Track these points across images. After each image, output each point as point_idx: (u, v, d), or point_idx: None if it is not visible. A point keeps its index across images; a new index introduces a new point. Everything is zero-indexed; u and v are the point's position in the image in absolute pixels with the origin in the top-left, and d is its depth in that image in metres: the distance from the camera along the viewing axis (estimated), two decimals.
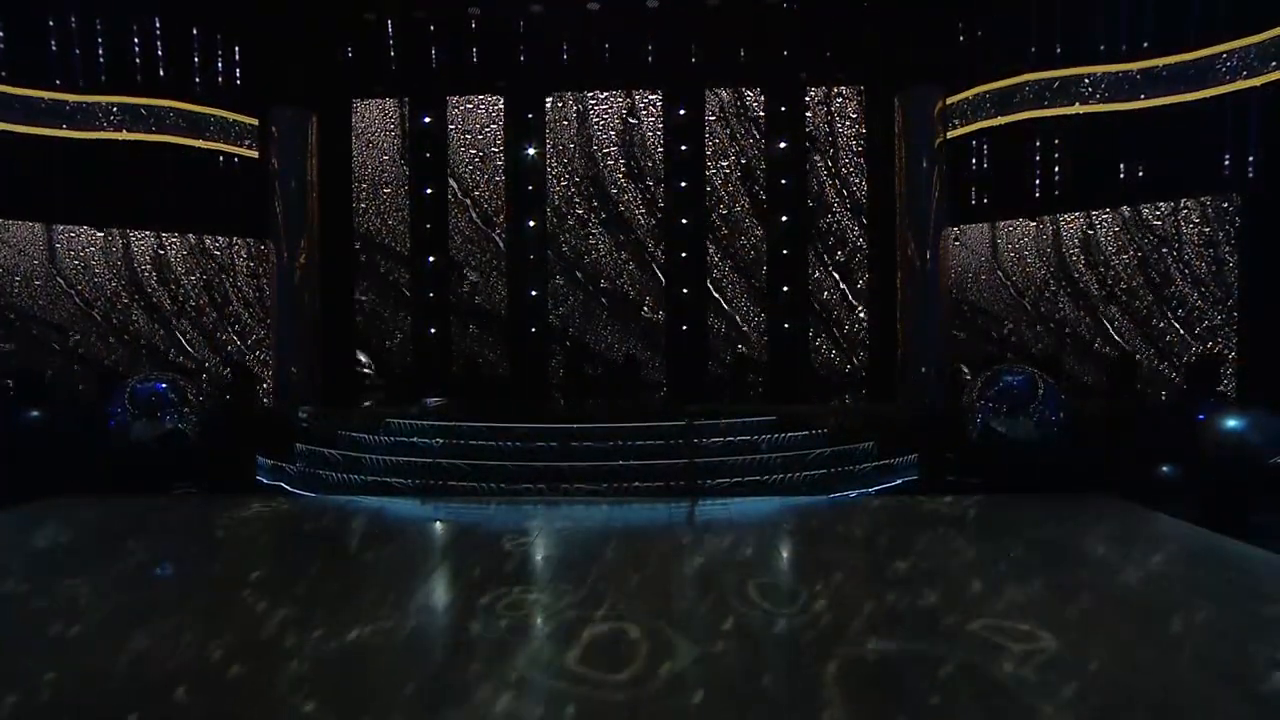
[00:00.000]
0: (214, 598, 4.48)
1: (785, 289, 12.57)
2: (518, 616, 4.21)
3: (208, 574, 5.05)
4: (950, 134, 11.23)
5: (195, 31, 11.54)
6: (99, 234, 11.23)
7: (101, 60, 11.06)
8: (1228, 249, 9.72)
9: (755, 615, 4.12)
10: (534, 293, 12.82)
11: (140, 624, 4.01)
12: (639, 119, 12.63)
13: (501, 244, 12.82)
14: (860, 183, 12.38)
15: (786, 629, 3.96)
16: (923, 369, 10.84)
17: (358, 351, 12.77)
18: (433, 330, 12.89)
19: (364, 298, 12.86)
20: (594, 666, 3.48)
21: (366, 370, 12.68)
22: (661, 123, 12.60)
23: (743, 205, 12.59)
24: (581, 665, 3.52)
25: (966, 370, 11.02)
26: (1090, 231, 10.59)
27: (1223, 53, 9.52)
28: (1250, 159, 9.51)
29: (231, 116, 11.77)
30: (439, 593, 4.87)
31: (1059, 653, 3.51)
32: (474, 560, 5.37)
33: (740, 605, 4.25)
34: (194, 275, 11.70)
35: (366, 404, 11.87)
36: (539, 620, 4.24)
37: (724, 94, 12.54)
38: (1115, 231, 10.45)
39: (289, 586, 4.70)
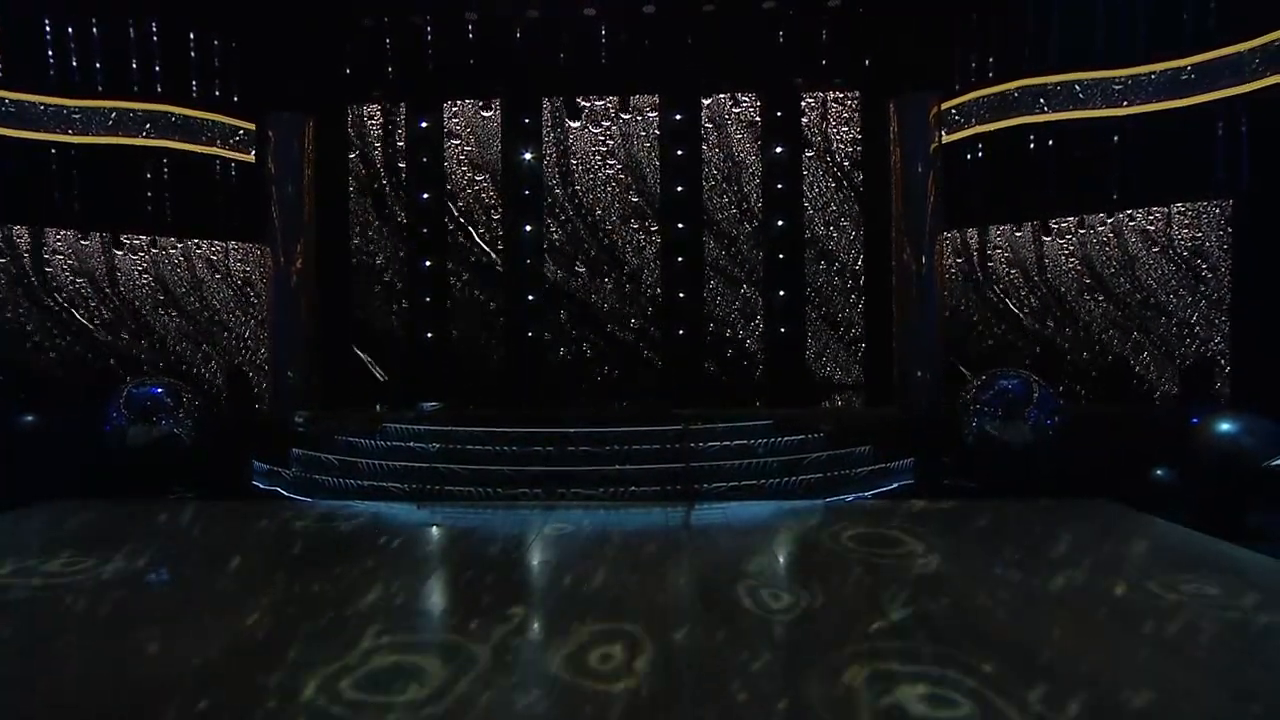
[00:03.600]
0: (209, 604, 4.48)
1: (781, 293, 12.60)
2: (514, 623, 4.21)
3: (202, 580, 5.03)
4: (946, 139, 11.28)
5: (192, 36, 11.55)
6: (95, 238, 11.20)
7: (98, 65, 11.06)
8: (1220, 253, 9.78)
9: (746, 620, 4.13)
10: (530, 297, 12.83)
11: (133, 628, 4.01)
12: (635, 124, 12.66)
13: (498, 247, 12.84)
14: (856, 187, 12.43)
15: (782, 633, 3.97)
16: (919, 373, 10.87)
17: (363, 355, 12.75)
18: (429, 334, 12.89)
19: (360, 302, 12.85)
20: (586, 673, 3.49)
21: (375, 372, 12.67)
22: (658, 127, 12.64)
23: (739, 209, 12.63)
24: (576, 669, 3.53)
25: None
26: (1083, 235, 10.64)
27: (1215, 58, 9.59)
28: (1242, 164, 9.57)
29: (228, 121, 11.77)
30: (432, 600, 4.87)
31: (1054, 653, 3.52)
32: (469, 566, 5.37)
33: (733, 610, 4.26)
34: (190, 279, 11.68)
35: (379, 407, 11.85)
36: (535, 628, 4.24)
37: (720, 99, 12.59)
38: (1108, 235, 10.50)
39: (287, 591, 4.70)
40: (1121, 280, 10.42)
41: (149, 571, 5.21)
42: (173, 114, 11.37)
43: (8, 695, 3.30)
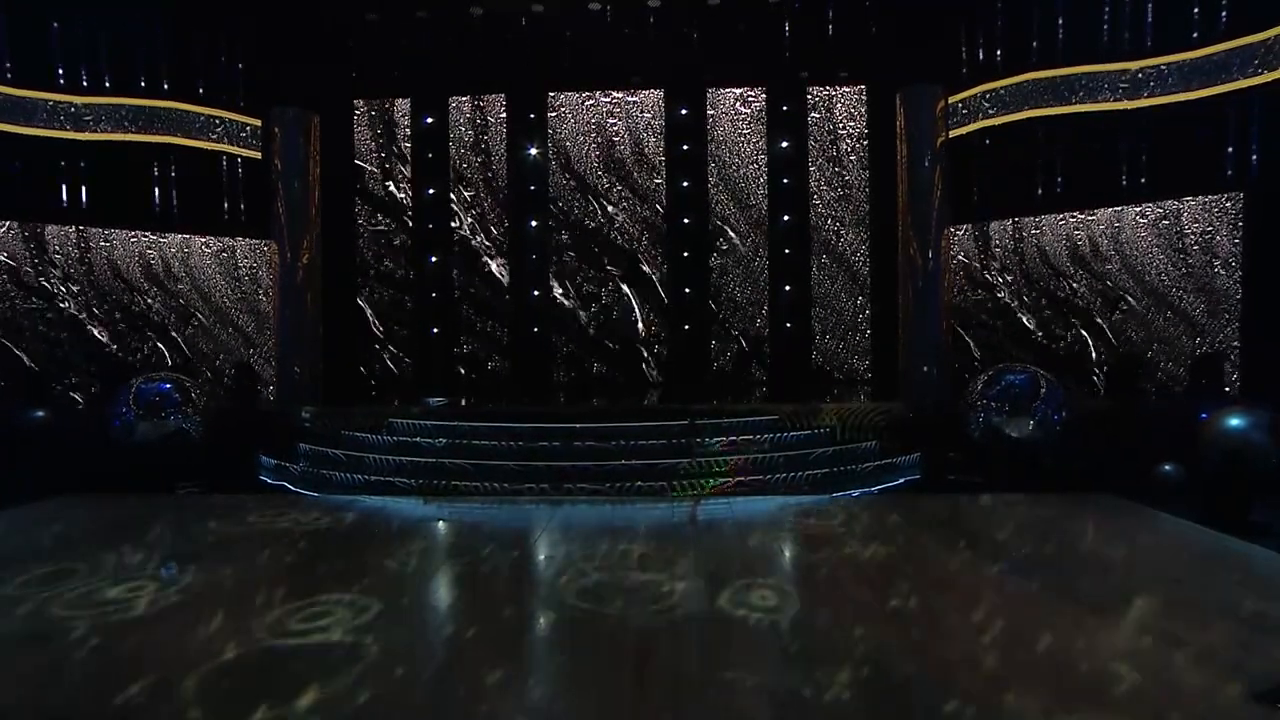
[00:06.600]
0: (224, 595, 4.50)
1: (787, 288, 12.58)
2: (518, 616, 4.23)
3: (216, 573, 5.06)
4: (952, 133, 11.22)
5: (198, 33, 11.58)
6: (102, 234, 11.24)
7: (104, 63, 11.10)
8: (1231, 247, 9.72)
9: (750, 616, 4.14)
10: (535, 292, 12.84)
11: (145, 620, 4.04)
12: (640, 118, 12.64)
13: (503, 243, 12.85)
14: (862, 182, 12.39)
15: (786, 629, 3.97)
16: (925, 368, 10.84)
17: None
18: (435, 330, 12.92)
19: (366, 298, 12.89)
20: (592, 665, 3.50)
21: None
22: (663, 122, 12.62)
23: (744, 204, 12.60)
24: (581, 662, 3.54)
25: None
26: (1092, 229, 10.58)
27: (1225, 51, 9.52)
28: (1253, 157, 9.51)
29: (234, 117, 11.81)
30: (440, 590, 4.89)
31: (1061, 653, 3.52)
32: (477, 558, 5.39)
33: (737, 605, 4.26)
34: (196, 275, 11.73)
35: (385, 402, 11.87)
36: (540, 621, 4.26)
37: (725, 93, 12.56)
38: (1117, 230, 10.44)
39: (298, 582, 4.73)
40: (1130, 274, 10.36)
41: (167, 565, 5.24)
42: (179, 110, 11.41)
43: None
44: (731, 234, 12.55)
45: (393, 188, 12.91)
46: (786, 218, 12.56)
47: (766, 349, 12.62)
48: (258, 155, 11.94)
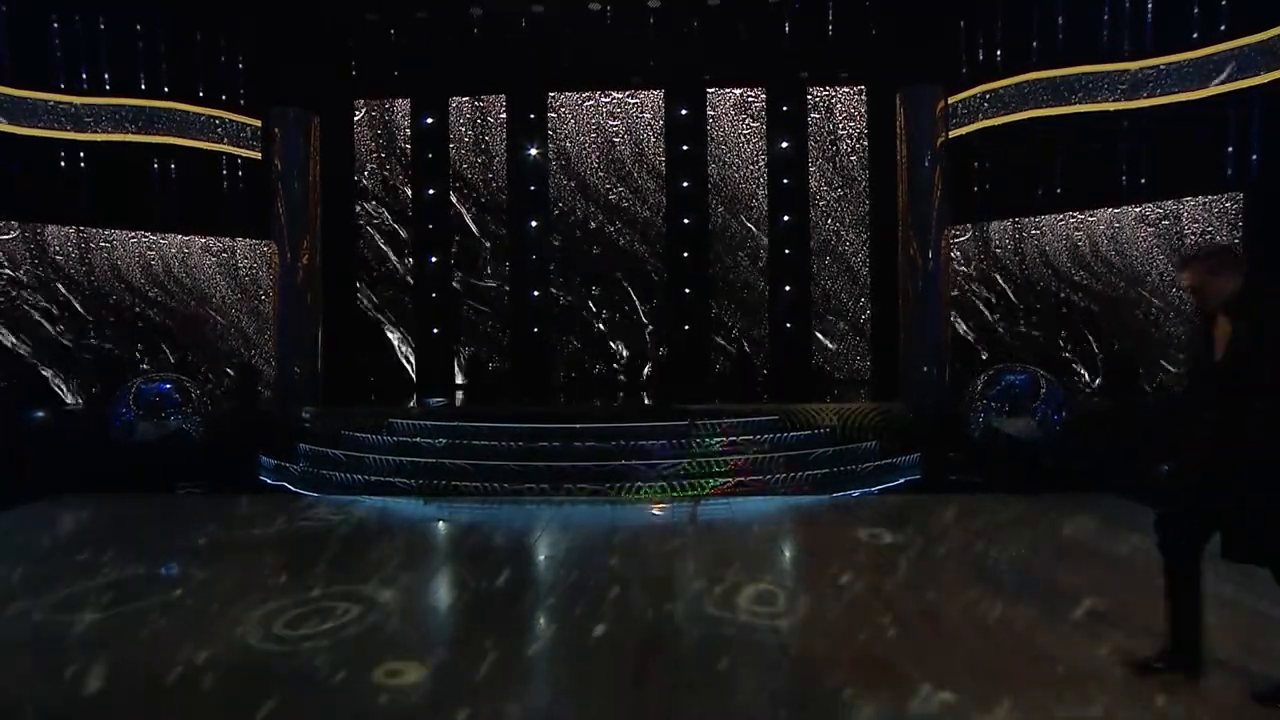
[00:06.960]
0: (223, 595, 4.51)
1: (787, 288, 12.59)
2: (521, 616, 4.23)
3: (215, 573, 5.07)
4: (952, 133, 11.21)
5: (198, 33, 11.58)
6: (103, 235, 11.25)
7: (104, 63, 11.11)
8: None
9: (748, 618, 4.14)
10: (535, 293, 12.84)
11: (148, 619, 4.04)
12: (640, 118, 12.64)
13: (503, 244, 12.85)
14: (862, 181, 12.39)
15: (787, 629, 3.97)
16: (925, 368, 10.81)
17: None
18: (435, 330, 12.92)
19: (366, 298, 12.90)
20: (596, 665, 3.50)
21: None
22: (663, 122, 12.62)
23: (744, 204, 12.60)
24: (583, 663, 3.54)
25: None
26: (1092, 229, 10.58)
27: (1225, 51, 9.52)
28: (1253, 157, 9.50)
29: (234, 118, 11.82)
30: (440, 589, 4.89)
31: (1062, 653, 3.53)
32: (477, 558, 5.40)
33: (737, 606, 4.27)
34: (196, 276, 11.73)
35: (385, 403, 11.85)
36: (539, 622, 4.26)
37: (725, 93, 12.56)
38: (1117, 230, 10.44)
39: (298, 582, 4.73)
40: (1130, 274, 10.36)
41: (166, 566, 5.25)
42: (179, 111, 11.42)
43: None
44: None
45: (393, 187, 12.91)
46: (786, 217, 12.56)
47: (766, 349, 12.61)
48: (258, 156, 11.95)
